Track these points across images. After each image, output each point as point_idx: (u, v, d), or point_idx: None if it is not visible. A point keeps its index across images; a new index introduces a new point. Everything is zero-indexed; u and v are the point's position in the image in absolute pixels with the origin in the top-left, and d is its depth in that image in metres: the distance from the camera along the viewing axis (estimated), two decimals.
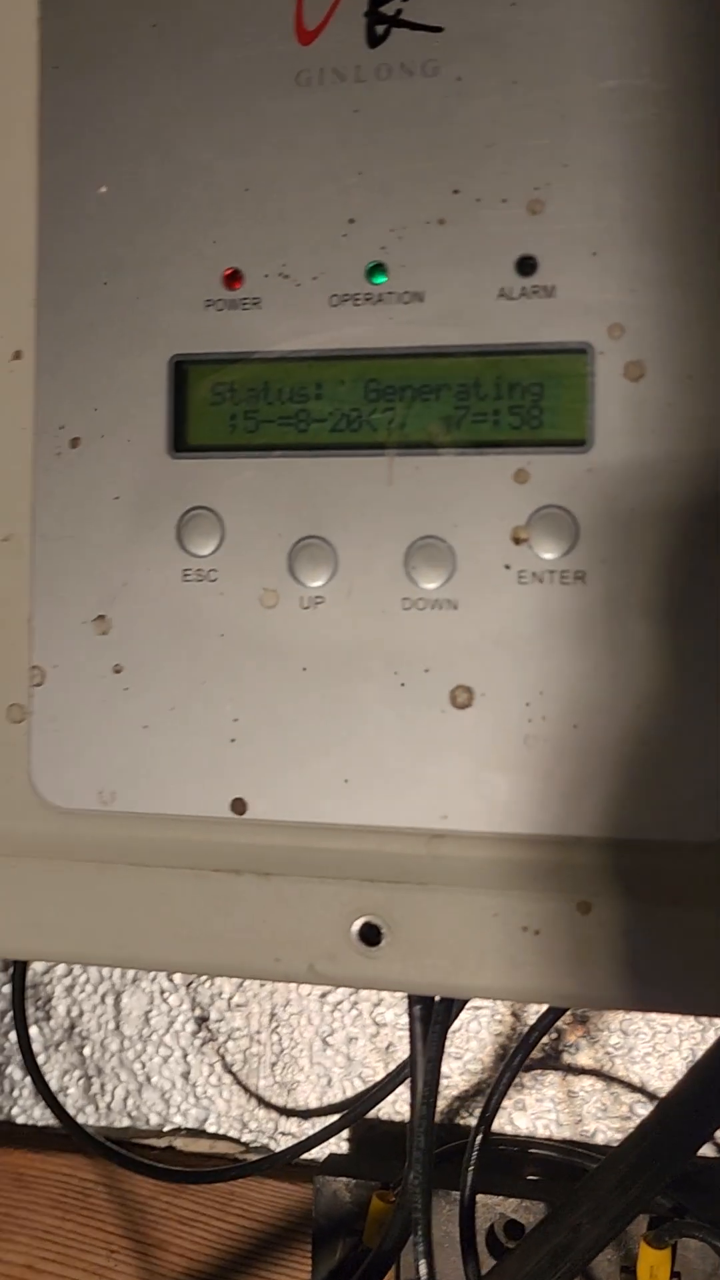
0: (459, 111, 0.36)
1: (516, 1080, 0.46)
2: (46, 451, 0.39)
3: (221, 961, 0.38)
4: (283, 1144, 0.55)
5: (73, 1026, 0.55)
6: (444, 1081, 0.52)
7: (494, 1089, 0.45)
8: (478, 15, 0.36)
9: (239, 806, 0.38)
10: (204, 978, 0.55)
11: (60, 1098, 0.55)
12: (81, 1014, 0.57)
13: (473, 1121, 0.47)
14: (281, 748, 0.37)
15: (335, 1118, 0.53)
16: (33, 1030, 0.56)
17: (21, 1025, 0.49)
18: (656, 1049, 0.52)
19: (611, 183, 0.35)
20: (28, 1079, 0.57)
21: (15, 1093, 0.58)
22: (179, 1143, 0.57)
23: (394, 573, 0.37)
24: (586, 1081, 0.51)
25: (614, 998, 0.36)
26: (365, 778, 0.37)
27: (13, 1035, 0.58)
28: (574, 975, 0.36)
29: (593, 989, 0.36)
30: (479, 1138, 0.45)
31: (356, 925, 0.37)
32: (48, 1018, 0.57)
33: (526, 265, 0.36)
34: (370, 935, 0.37)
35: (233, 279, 0.38)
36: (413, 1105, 0.40)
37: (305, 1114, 0.55)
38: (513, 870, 0.36)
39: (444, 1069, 0.52)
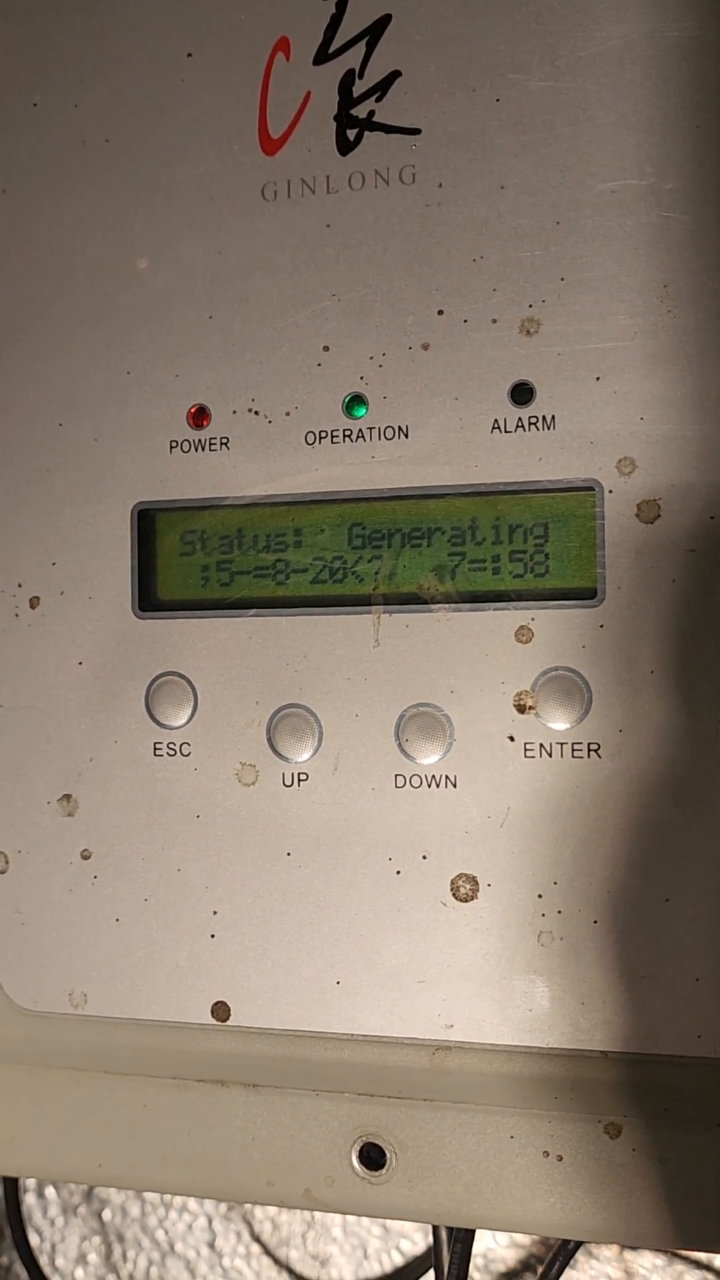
0: (441, 222, 0.32)
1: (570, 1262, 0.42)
2: (3, 612, 0.36)
3: (207, 1183, 0.34)
4: None
5: (91, 1189, 0.51)
6: (490, 1255, 0.47)
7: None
8: (459, 114, 0.32)
9: (221, 1012, 0.33)
10: None
11: (79, 1266, 0.51)
12: None
13: None
14: (265, 945, 0.33)
15: None
16: (49, 1192, 0.52)
17: (21, 1240, 0.44)
18: None
19: (615, 297, 0.31)
20: None
21: None
22: None
23: (384, 746, 0.32)
24: (647, 1259, 0.46)
25: (649, 1234, 0.31)
26: (359, 980, 0.32)
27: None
28: (603, 1207, 0.31)
29: (625, 1223, 0.31)
30: None
31: (357, 1146, 0.33)
32: None
33: (522, 393, 0.32)
34: (373, 1157, 0.33)
35: (199, 417, 0.34)
36: None
37: None
38: (531, 1088, 0.31)
39: (490, 1243, 0.47)
